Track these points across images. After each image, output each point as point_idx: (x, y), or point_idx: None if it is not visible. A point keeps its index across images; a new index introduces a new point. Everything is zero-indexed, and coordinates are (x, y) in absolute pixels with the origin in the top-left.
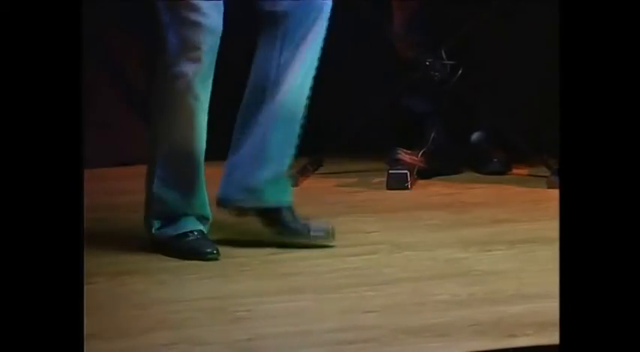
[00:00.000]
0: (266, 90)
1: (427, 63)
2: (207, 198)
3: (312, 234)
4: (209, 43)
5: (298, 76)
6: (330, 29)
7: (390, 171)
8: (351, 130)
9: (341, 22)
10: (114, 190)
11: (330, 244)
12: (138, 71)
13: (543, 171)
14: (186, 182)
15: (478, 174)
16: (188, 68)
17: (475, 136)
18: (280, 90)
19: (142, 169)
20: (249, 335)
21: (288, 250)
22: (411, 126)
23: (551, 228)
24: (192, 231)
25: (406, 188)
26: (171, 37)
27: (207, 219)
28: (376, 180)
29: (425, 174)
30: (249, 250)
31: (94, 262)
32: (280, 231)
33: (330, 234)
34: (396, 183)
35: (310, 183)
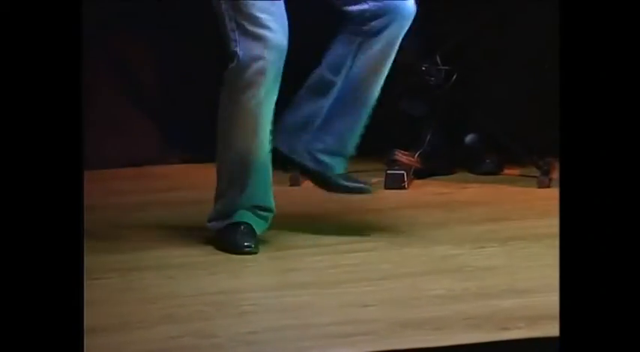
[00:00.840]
0: (344, 79)
1: (423, 68)
2: (270, 189)
3: (352, 185)
4: (274, 57)
5: (376, 83)
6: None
7: (388, 172)
8: None
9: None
10: (124, 190)
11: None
12: (146, 73)
13: (534, 171)
14: (248, 183)
15: (472, 175)
16: (254, 80)
17: (469, 138)
18: (357, 84)
19: (150, 170)
20: (254, 328)
21: (290, 247)
22: (408, 128)
23: (542, 225)
24: (238, 224)
25: (403, 187)
26: (238, 50)
27: (267, 210)
28: (375, 180)
29: (421, 174)
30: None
31: (106, 259)
32: (329, 188)
33: (368, 186)
34: (394, 183)
35: (311, 183)
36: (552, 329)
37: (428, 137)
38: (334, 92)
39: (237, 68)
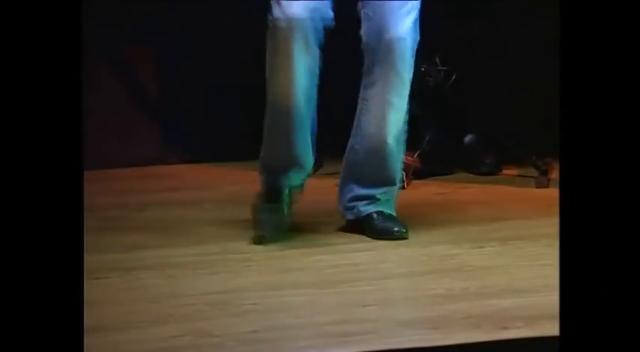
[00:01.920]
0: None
1: (422, 69)
2: (309, 147)
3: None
4: (308, 15)
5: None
6: (333, 36)
7: None
8: (350, 132)
9: (342, 29)
10: (124, 190)
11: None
12: (147, 74)
13: (532, 171)
14: (289, 133)
15: (471, 175)
16: (286, 35)
17: (468, 139)
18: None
19: (151, 170)
20: (255, 328)
21: (290, 247)
22: (407, 128)
23: (540, 225)
24: (268, 207)
25: (402, 188)
26: (274, 3)
27: (303, 168)
28: None
29: (420, 174)
30: (254, 247)
31: (107, 258)
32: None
33: (405, 230)
34: None
35: (311, 183)
36: (551, 329)
37: (427, 137)
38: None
39: (270, 31)
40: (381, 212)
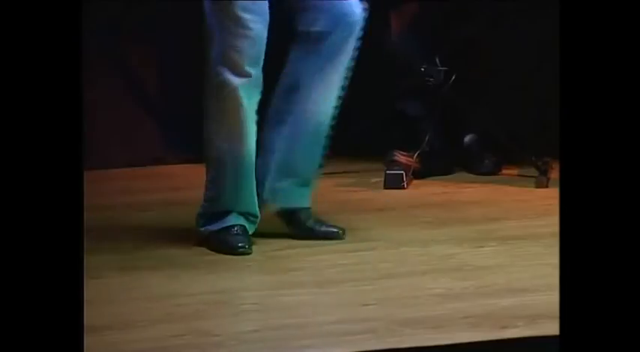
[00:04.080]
0: (295, 104)
1: (422, 69)
2: (255, 197)
3: (323, 231)
4: (254, 54)
5: (326, 93)
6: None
7: (387, 172)
8: (350, 132)
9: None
10: (125, 190)
11: (339, 239)
12: (147, 74)
13: (532, 171)
14: (232, 182)
15: (470, 175)
16: (233, 78)
17: (467, 139)
18: (308, 106)
19: (151, 170)
20: (255, 327)
21: (290, 247)
22: (407, 129)
23: (539, 225)
24: (233, 226)
25: (402, 187)
26: (217, 47)
27: (254, 216)
28: (374, 179)
29: (420, 174)
30: (254, 247)
31: (107, 258)
32: (296, 229)
33: (340, 233)
34: (393, 183)
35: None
36: (550, 328)
37: (427, 137)
38: (289, 121)
39: (214, 65)
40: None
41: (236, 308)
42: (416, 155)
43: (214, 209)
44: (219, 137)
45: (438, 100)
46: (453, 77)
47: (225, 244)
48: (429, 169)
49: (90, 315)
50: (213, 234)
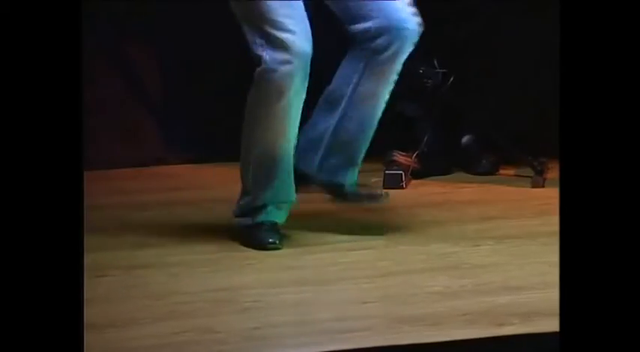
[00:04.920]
0: (344, 99)
1: (420, 71)
2: (291, 183)
3: (366, 194)
4: (300, 60)
5: (375, 96)
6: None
7: (387, 172)
8: None
9: (342, 32)
10: (127, 190)
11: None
12: (149, 74)
13: (528, 171)
14: (275, 181)
15: (468, 175)
16: (282, 83)
17: (465, 139)
18: (359, 101)
19: (153, 170)
20: (256, 324)
21: (290, 246)
22: (406, 129)
23: (536, 224)
24: (263, 223)
25: (401, 187)
26: (265, 54)
27: (289, 202)
28: (374, 179)
29: (418, 174)
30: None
31: (110, 257)
32: (342, 198)
33: (382, 197)
34: (392, 183)
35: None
36: (546, 325)
37: (425, 138)
38: (342, 108)
39: (265, 72)
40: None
41: (237, 305)
42: (415, 155)
43: (248, 203)
44: (258, 128)
45: (437, 102)
46: (451, 79)
47: (256, 240)
48: (427, 169)
49: (91, 313)
50: (245, 230)
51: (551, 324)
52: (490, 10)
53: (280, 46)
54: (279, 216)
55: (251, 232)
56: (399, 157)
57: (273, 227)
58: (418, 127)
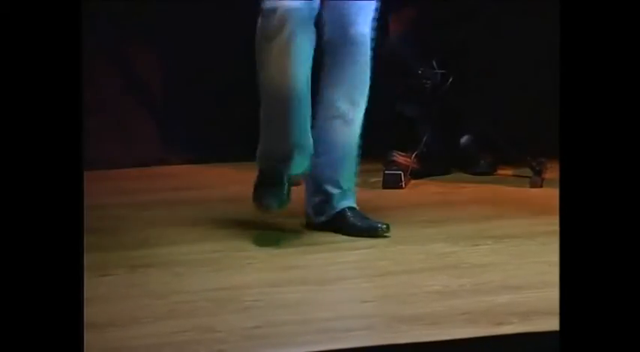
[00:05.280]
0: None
1: (419, 71)
2: (309, 131)
3: (366, 226)
4: (296, 4)
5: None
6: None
7: (386, 172)
8: None
9: None
10: (129, 190)
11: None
12: (149, 74)
13: (527, 171)
14: (288, 121)
15: (467, 175)
16: (277, 25)
17: (464, 140)
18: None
19: (154, 170)
20: (256, 323)
21: (290, 245)
22: (405, 130)
23: (534, 224)
24: (272, 184)
25: (400, 187)
26: (264, 4)
27: (308, 149)
28: (373, 179)
29: (418, 174)
30: (256, 245)
31: (112, 256)
32: (344, 228)
33: (384, 229)
34: (391, 183)
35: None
36: (545, 324)
37: (424, 138)
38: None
39: (263, 20)
40: (353, 208)
41: (238, 304)
42: (414, 156)
43: (264, 143)
44: (267, 77)
45: (436, 102)
46: (450, 79)
47: (256, 199)
48: (426, 169)
49: (91, 312)
50: (257, 187)
51: (549, 323)
52: (490, 11)
53: None
54: (295, 166)
55: (257, 191)
56: (399, 157)
57: (278, 188)
58: (417, 128)
